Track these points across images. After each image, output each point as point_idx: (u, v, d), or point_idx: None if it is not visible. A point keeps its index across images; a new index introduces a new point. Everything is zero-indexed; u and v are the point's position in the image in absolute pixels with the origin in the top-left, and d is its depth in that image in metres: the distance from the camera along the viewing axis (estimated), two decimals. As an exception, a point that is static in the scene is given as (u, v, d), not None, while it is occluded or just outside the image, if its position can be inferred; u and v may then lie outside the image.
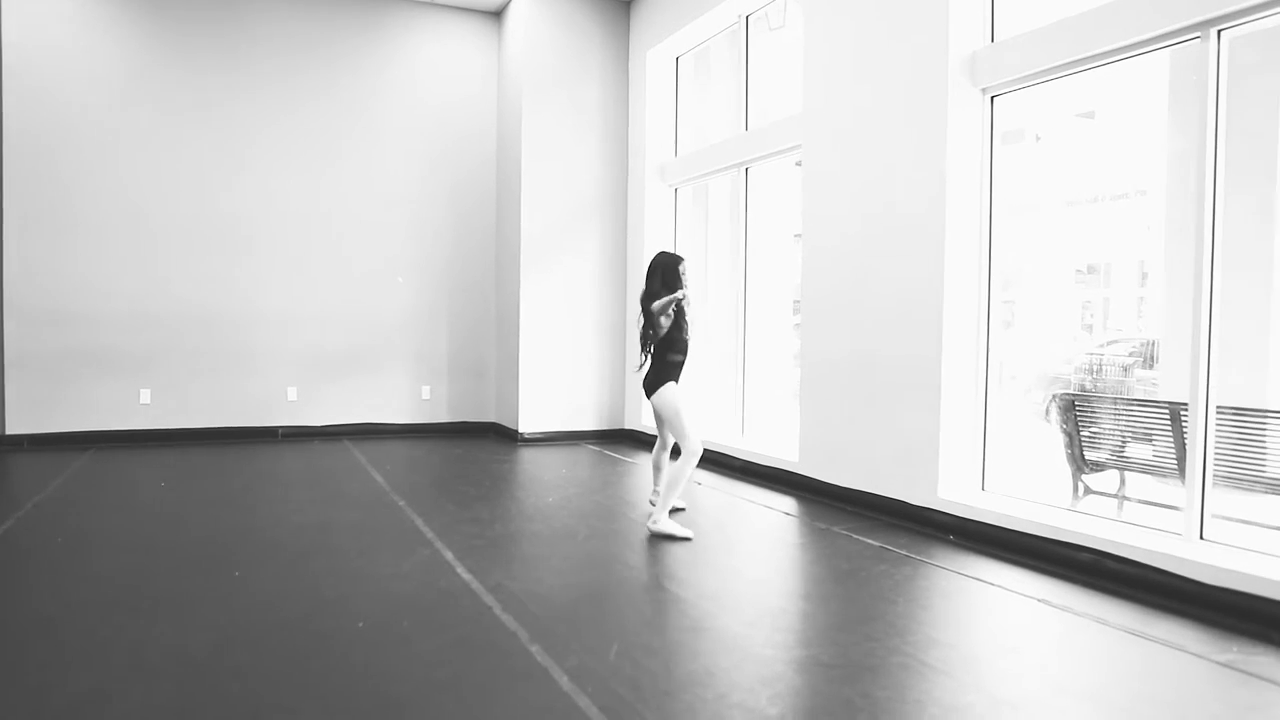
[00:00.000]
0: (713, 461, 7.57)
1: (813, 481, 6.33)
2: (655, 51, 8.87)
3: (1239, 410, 4.58)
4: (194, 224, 8.70)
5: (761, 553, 5.01)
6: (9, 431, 8.23)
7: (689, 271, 5.32)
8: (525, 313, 8.93)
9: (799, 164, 7.38)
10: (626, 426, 9.26)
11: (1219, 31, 4.14)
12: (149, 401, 8.63)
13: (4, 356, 8.21)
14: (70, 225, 8.33)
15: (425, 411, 9.54)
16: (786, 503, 6.11)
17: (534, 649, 3.30)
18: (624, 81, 9.32)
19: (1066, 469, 5.61)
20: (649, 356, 5.28)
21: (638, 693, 2.92)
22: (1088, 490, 5.64)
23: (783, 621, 3.77)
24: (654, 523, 5.09)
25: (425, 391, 9.53)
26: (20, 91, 8.14)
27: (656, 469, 5.58)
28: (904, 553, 4.75)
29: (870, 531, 5.23)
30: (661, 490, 5.22)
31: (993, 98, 5.39)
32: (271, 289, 8.96)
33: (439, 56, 9.57)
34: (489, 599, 3.89)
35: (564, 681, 3.00)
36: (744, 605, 3.96)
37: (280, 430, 9.01)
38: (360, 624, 3.58)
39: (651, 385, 5.23)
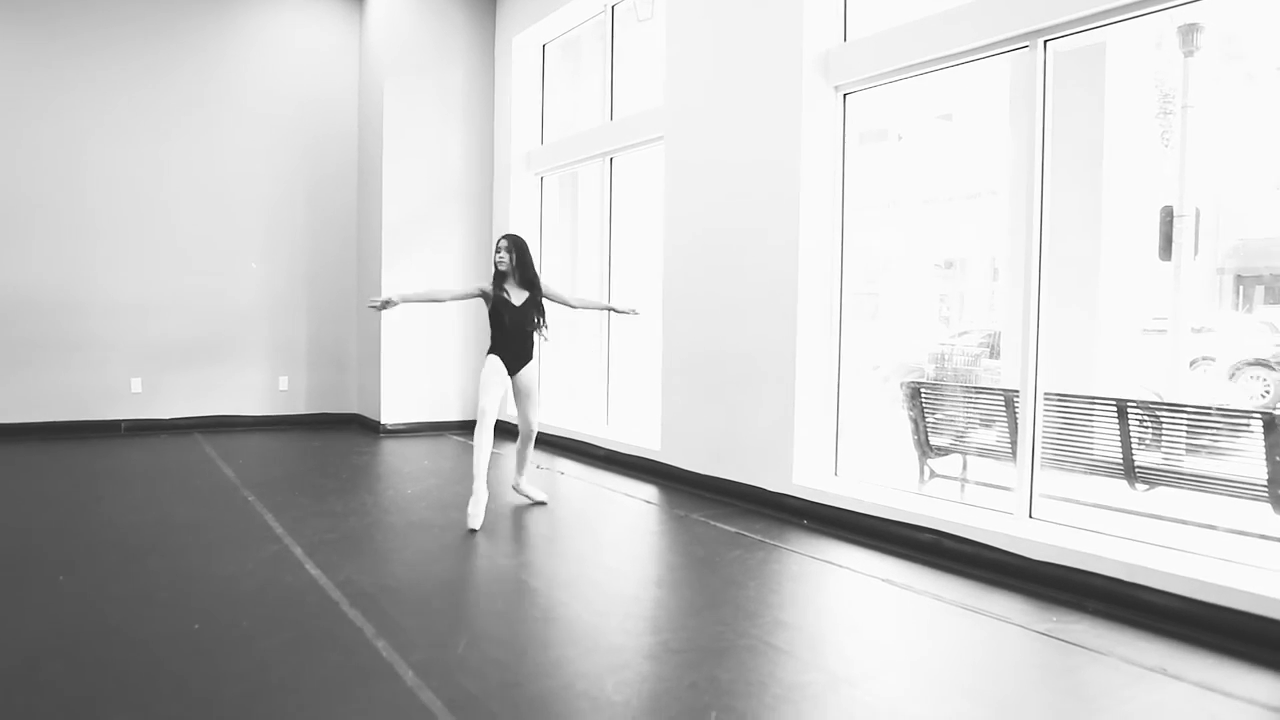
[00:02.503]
0: (576, 451, 7.57)
1: (674, 469, 6.42)
2: (521, 38, 8.77)
3: (1063, 396, 4.90)
4: (23, 204, 8.07)
5: (619, 541, 5.05)
6: None
7: (504, 248, 5.29)
8: (388, 301, 8.69)
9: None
10: (493, 417, 9.15)
11: (1045, 42, 4.39)
12: (-26, 395, 7.98)
13: None
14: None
15: (282, 403, 9.18)
16: (648, 491, 6.17)
17: (380, 644, 3.22)
18: (489, 68, 9.18)
19: (914, 454, 5.87)
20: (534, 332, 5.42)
21: (484, 685, 2.89)
22: (933, 474, 5.92)
23: (634, 609, 3.80)
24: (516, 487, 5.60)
25: (283, 382, 9.16)
26: None
27: (486, 457, 5.19)
28: (758, 538, 4.87)
29: (727, 518, 5.34)
30: (527, 468, 5.58)
31: (845, 95, 5.56)
32: (113, 274, 8.41)
33: (297, 36, 9.18)
34: (336, 594, 3.77)
35: (409, 677, 2.94)
36: (597, 594, 3.98)
37: (123, 424, 8.48)
38: (196, 626, 3.41)
39: (524, 360, 5.35)
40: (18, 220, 8.06)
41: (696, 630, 3.45)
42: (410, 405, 8.83)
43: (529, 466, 5.93)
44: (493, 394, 5.13)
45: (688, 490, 6.16)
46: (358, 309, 9.44)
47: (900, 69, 5.16)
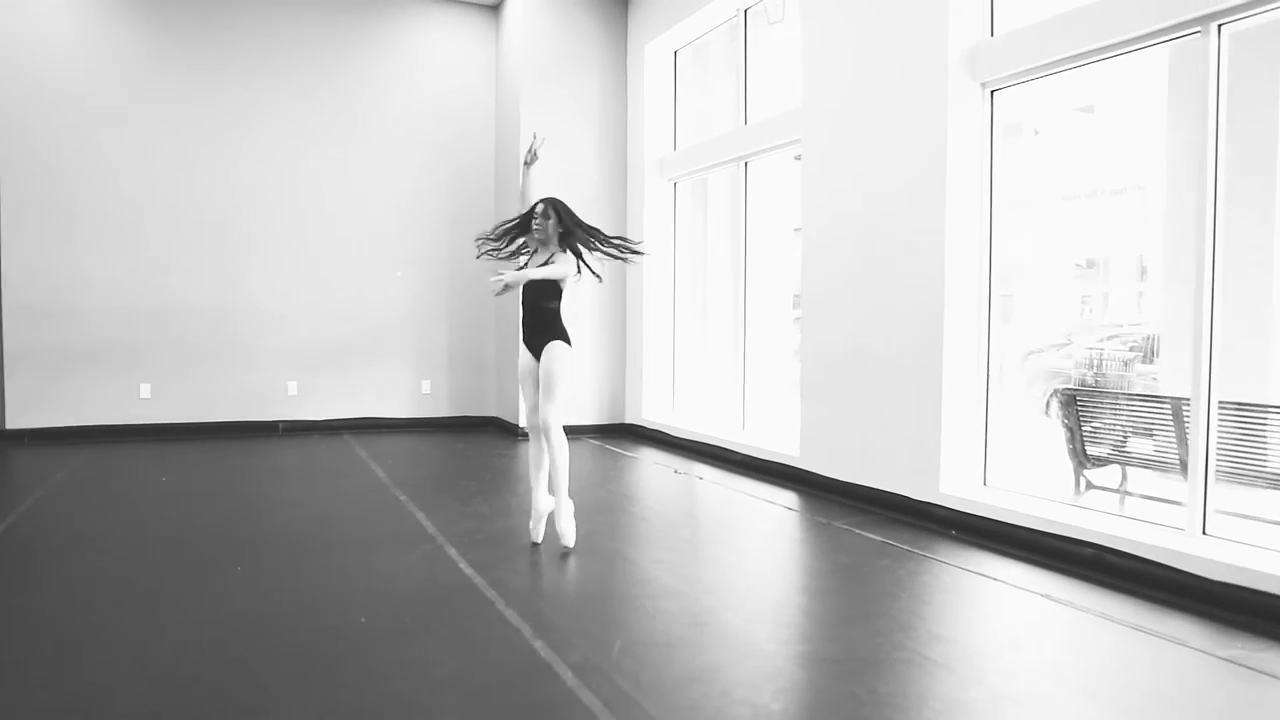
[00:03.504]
0: (714, 456, 7.57)
1: (814, 476, 6.33)
2: (653, 45, 8.85)
3: (1241, 405, 4.58)
4: (191, 218, 8.69)
5: (763, 547, 5.02)
6: (9, 426, 8.22)
7: (541, 213, 4.81)
8: (525, 307, 8.91)
9: (798, 158, 7.38)
10: (627, 421, 9.25)
11: (1219, 26, 4.13)
12: (149, 396, 8.62)
13: (3, 352, 8.20)
14: (67, 222, 8.32)
15: (426, 405, 9.54)
16: (788, 497, 6.11)
17: (537, 644, 3.30)
18: (622, 75, 9.29)
19: (1068, 464, 5.61)
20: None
21: (641, 689, 2.92)
22: (1089, 485, 5.64)
23: (784, 616, 3.77)
24: (566, 537, 4.57)
25: (425, 385, 9.53)
26: (16, 89, 8.13)
27: (539, 468, 4.75)
28: (906, 548, 4.75)
29: (872, 526, 5.23)
30: (558, 493, 4.60)
31: (993, 92, 5.38)
32: (270, 283, 8.95)
33: (437, 50, 9.55)
34: (491, 594, 3.89)
35: (568, 677, 3.00)
36: (746, 600, 3.96)
37: (281, 424, 9.00)
38: (363, 619, 3.58)
39: (543, 342, 4.65)
40: (191, 235, 8.67)
41: (850, 641, 3.40)
42: (546, 409, 9.01)
43: (551, 487, 4.68)
44: (526, 399, 4.73)
45: (828, 497, 6.07)
46: (495, 315, 9.72)
47: (1054, 62, 4.95)
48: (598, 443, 8.58)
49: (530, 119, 8.92)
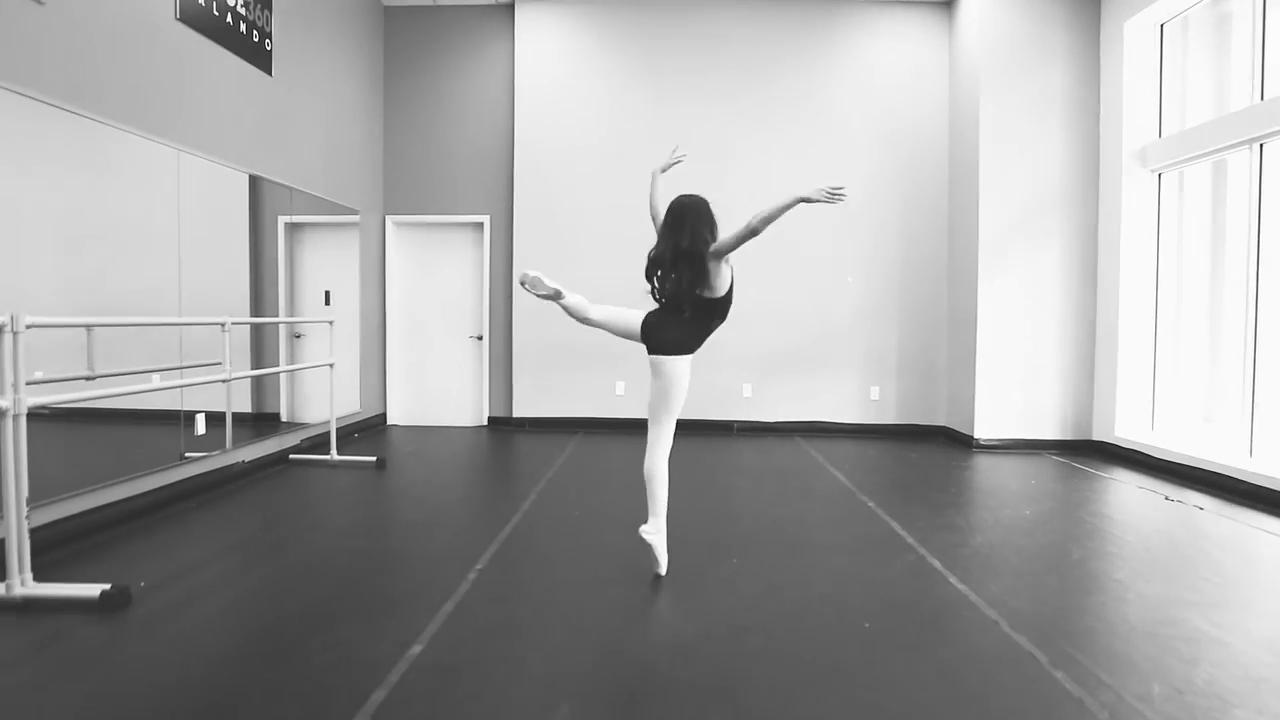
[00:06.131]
0: (1207, 483, 6.66)
1: (1360, 516, 5.29)
2: (1133, 22, 7.99)
3: None
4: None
5: (1306, 596, 4.29)
6: (515, 415, 9.69)
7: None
8: (983, 312, 8.55)
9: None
10: (1094, 438, 8.47)
11: None
12: (623, 393, 9.64)
13: (513, 351, 9.68)
14: (559, 237, 9.59)
15: (873, 412, 9.55)
16: (1324, 538, 5.17)
17: (1058, 675, 3.13)
18: (1093, 60, 8.52)
19: None
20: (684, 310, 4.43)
21: (1197, 742, 2.64)
22: None
23: (1366, 685, 3.18)
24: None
25: (874, 392, 9.53)
26: (526, 129, 9.55)
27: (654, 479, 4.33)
28: None
29: None
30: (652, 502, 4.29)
31: None
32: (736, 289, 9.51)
33: (886, 53, 9.51)
34: (992, 614, 3.76)
35: (1104, 716, 2.80)
36: (1306, 658, 3.41)
37: (735, 425, 9.55)
38: (866, 625, 3.65)
39: (678, 346, 4.33)
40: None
41: None
42: (1003, 421, 8.58)
43: (660, 506, 4.30)
44: (608, 310, 4.58)
45: (1383, 543, 5.04)
46: (949, 321, 9.45)
47: None
48: (1062, 460, 7.96)
49: (989, 114, 8.53)
